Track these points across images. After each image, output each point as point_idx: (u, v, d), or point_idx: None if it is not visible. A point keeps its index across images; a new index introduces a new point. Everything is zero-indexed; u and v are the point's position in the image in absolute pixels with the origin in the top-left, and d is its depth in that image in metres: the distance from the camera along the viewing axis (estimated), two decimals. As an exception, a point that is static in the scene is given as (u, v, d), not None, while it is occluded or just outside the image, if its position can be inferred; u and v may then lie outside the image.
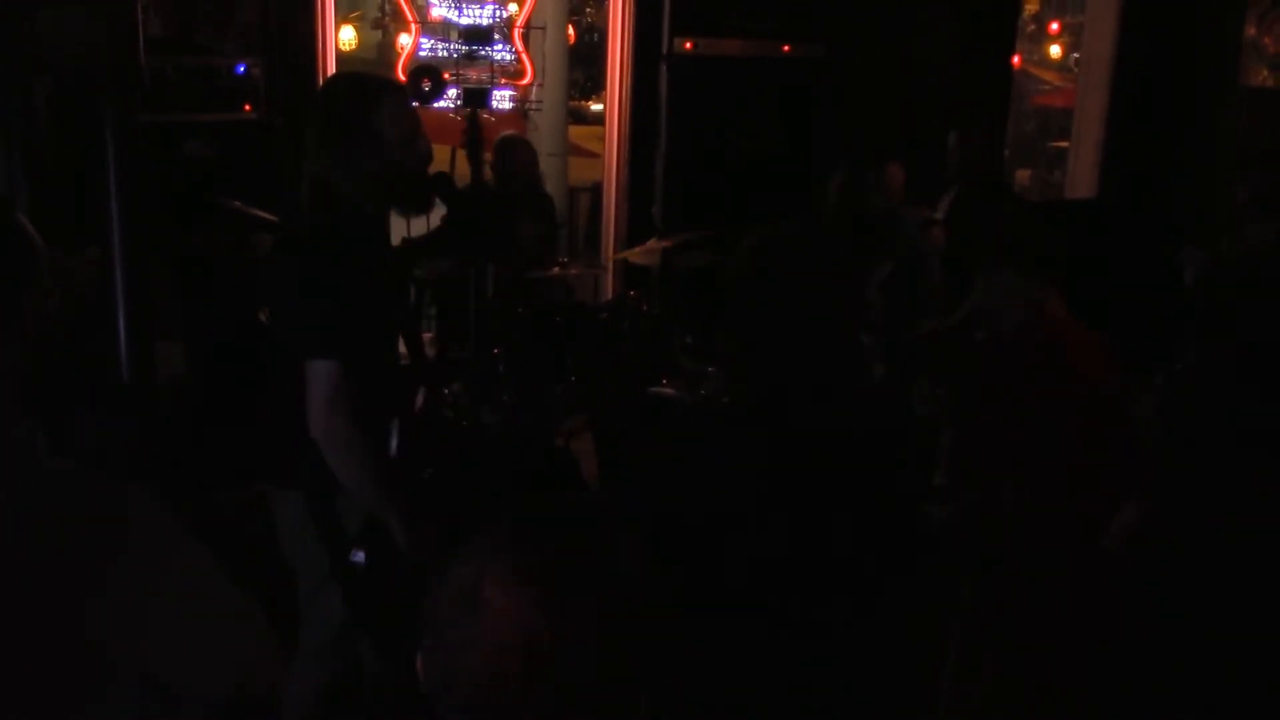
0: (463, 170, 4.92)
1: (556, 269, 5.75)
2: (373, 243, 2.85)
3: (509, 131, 6.45)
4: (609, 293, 6.82)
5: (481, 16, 7.13)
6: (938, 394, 4.03)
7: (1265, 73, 7.24)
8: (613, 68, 6.83)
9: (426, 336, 4.79)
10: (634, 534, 1.32)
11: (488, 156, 5.39)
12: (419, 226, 4.71)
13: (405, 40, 7.43)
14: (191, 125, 5.41)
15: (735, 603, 4.01)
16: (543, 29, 8.04)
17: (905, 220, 5.26)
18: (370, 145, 2.72)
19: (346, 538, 2.76)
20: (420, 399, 3.13)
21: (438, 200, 3.24)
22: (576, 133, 10.24)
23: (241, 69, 5.60)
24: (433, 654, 1.27)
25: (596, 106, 11.01)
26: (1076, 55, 10.61)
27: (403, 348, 3.08)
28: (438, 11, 7.23)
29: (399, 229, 4.40)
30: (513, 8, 7.39)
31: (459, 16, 7.11)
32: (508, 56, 7.25)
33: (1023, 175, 12.74)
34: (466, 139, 4.37)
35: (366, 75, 3.06)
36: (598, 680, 1.24)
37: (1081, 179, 8.37)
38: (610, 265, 6.93)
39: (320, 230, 2.77)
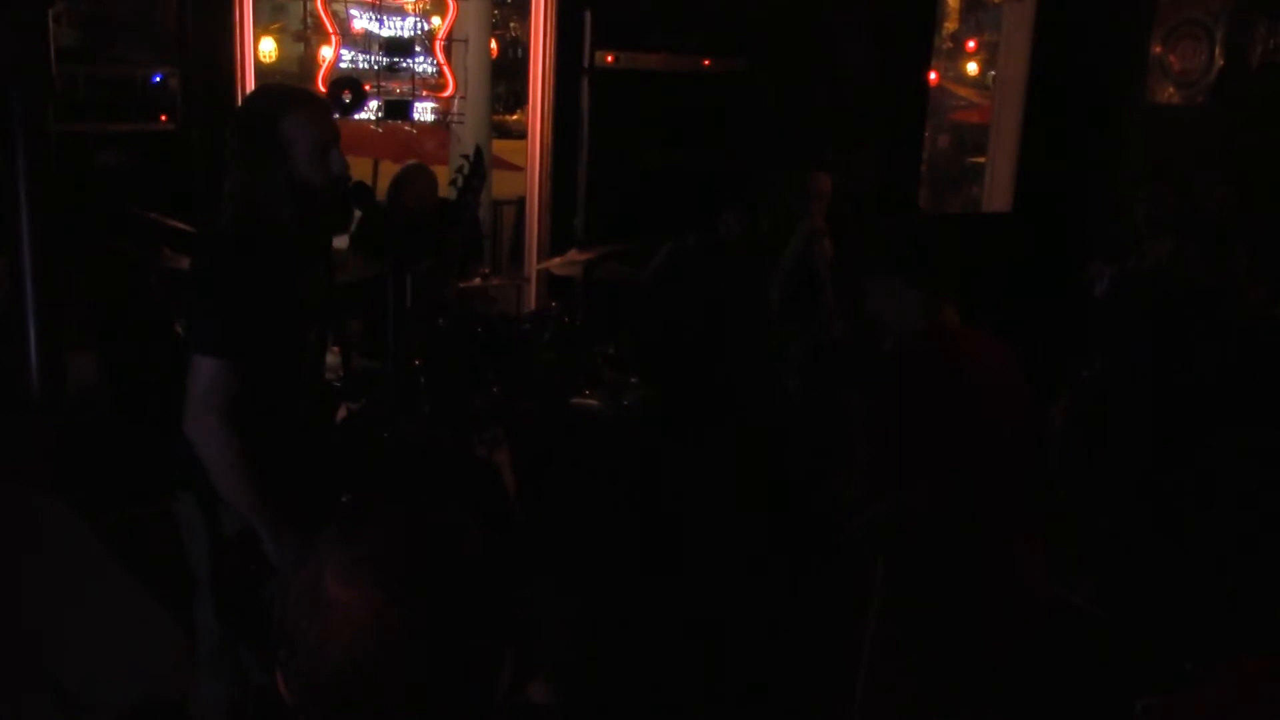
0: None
1: (478, 280, 5.75)
2: (284, 256, 2.82)
3: (412, 161, 6.34)
4: (531, 304, 6.83)
5: (403, 28, 7.12)
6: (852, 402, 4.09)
7: (1170, 90, 7.44)
8: (535, 81, 6.85)
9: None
10: (471, 515, 1.36)
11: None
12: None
13: (327, 52, 7.38)
14: (106, 135, 5.34)
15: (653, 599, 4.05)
16: (465, 41, 8.03)
17: (797, 231, 5.36)
18: (277, 155, 2.73)
19: (224, 542, 2.74)
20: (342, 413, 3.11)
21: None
22: (500, 146, 10.22)
23: (157, 79, 5.54)
24: (290, 662, 1.28)
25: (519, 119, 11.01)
26: (994, 72, 10.81)
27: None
28: (359, 23, 7.20)
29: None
30: (435, 20, 7.38)
31: (380, 28, 7.09)
32: (429, 69, 7.24)
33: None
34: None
35: (285, 87, 3.07)
36: (454, 657, 1.26)
37: (998, 194, 8.53)
38: (533, 276, 6.94)
39: (228, 235, 2.79)
